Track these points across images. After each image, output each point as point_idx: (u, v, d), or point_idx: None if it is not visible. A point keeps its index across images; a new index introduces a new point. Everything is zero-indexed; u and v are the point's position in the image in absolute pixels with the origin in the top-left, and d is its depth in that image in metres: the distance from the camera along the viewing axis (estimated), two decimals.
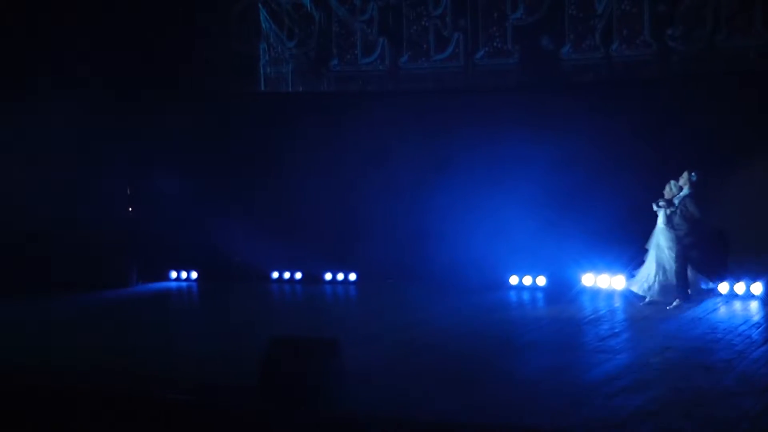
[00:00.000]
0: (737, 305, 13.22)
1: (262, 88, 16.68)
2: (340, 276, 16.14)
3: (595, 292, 14.41)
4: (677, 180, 13.11)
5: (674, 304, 12.86)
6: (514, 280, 15.18)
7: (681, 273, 12.95)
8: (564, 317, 12.60)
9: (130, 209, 16.55)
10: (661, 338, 11.04)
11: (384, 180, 15.46)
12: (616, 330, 11.71)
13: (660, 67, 14.55)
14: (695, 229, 12.97)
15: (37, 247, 15.70)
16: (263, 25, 16.50)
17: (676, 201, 12.98)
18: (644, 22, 14.44)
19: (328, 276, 16.21)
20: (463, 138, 14.97)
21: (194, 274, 16.86)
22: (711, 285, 13.44)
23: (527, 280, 15.12)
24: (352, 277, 16.08)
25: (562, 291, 14.47)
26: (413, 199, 15.19)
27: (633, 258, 14.09)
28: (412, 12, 15.73)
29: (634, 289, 13.39)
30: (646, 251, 13.31)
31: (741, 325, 11.74)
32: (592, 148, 14.42)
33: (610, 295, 14.19)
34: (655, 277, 13.08)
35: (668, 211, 13.00)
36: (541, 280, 15.01)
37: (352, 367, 8.70)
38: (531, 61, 15.13)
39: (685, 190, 12.99)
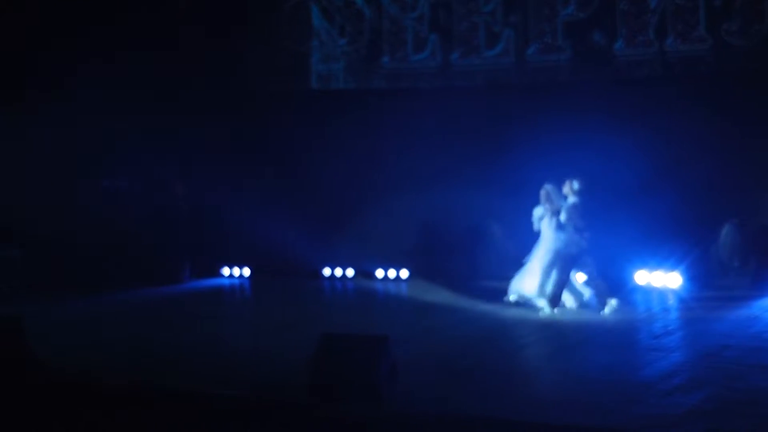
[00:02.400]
0: None
1: (314, 85, 16.75)
2: (392, 273, 16.15)
3: (648, 290, 14.26)
4: (553, 184, 12.64)
5: (545, 310, 12.42)
6: None
7: (560, 281, 12.45)
8: (617, 315, 12.49)
9: (183, 207, 16.71)
10: (717, 337, 10.90)
11: (436, 177, 15.44)
12: (670, 328, 11.58)
13: (716, 62, 14.36)
14: (580, 239, 12.41)
15: (90, 245, 15.90)
16: (315, 23, 16.57)
17: (562, 209, 12.49)
18: (699, 17, 14.27)
19: (380, 273, 16.23)
20: (515, 134, 14.91)
21: (246, 271, 16.99)
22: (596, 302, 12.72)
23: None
24: (404, 274, 16.08)
25: (615, 289, 14.34)
26: (466, 196, 15.14)
27: (686, 255, 13.97)
28: (462, 8, 15.70)
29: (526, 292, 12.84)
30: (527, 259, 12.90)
31: None
32: (646, 145, 14.28)
33: (663, 292, 14.04)
34: (532, 277, 12.65)
35: (560, 218, 12.57)
36: None
37: (403, 364, 8.69)
38: (583, 57, 15.02)
39: (570, 199, 12.51)
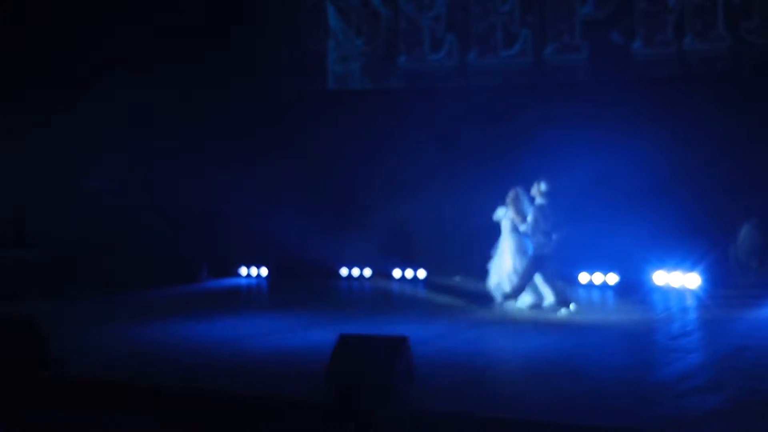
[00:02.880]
0: None
1: (330, 85, 16.75)
2: (409, 273, 16.15)
3: (666, 291, 14.21)
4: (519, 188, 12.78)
5: (502, 303, 12.59)
6: (584, 277, 15.03)
7: (522, 281, 12.53)
8: (634, 316, 12.44)
9: (201, 206, 16.76)
10: (735, 337, 10.83)
11: (452, 176, 15.42)
12: (688, 329, 11.52)
13: (735, 61, 14.27)
14: (547, 241, 12.43)
15: (109, 246, 15.99)
16: (331, 23, 16.57)
17: (528, 211, 12.56)
18: (718, 15, 14.19)
19: (397, 273, 16.21)
20: (533, 134, 14.87)
21: (264, 271, 17.03)
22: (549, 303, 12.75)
23: (597, 278, 14.96)
24: (421, 274, 16.07)
25: (633, 289, 14.31)
26: (483, 195, 15.08)
27: (705, 256, 13.92)
28: (479, 8, 15.67)
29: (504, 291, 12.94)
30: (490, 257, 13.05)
31: None
32: (665, 144, 14.23)
33: (681, 293, 13.98)
34: (507, 280, 12.79)
35: (509, 218, 12.76)
36: (612, 278, 14.84)
37: (420, 364, 8.68)
38: (601, 56, 14.96)
39: (538, 200, 12.52)
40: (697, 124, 14.16)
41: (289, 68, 16.73)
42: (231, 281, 16.76)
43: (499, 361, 9.97)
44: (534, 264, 12.47)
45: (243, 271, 17.13)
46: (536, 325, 11.91)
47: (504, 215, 12.89)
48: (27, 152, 16.15)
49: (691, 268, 14.08)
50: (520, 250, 12.76)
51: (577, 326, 11.79)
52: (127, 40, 15.73)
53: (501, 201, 14.75)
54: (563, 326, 11.80)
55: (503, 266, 12.87)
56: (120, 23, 15.94)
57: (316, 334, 11.53)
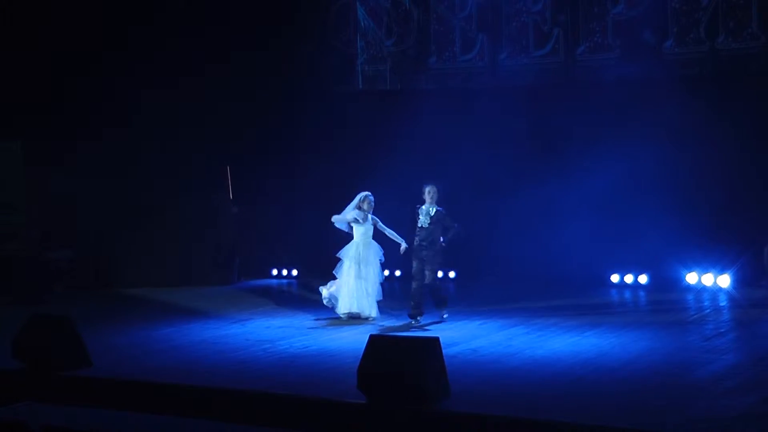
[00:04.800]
0: None
1: (360, 86, 16.77)
2: (439, 273, 16.09)
3: (700, 291, 14.10)
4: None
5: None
6: (615, 278, 14.95)
7: (434, 286, 12.42)
8: (667, 316, 12.35)
9: (234, 209, 16.82)
10: None
11: (483, 176, 15.38)
12: (722, 330, 11.43)
13: None
14: (442, 242, 12.39)
15: (142, 246, 16.09)
16: (361, 24, 16.59)
17: (421, 214, 12.41)
18: (752, 14, 14.07)
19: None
20: (565, 134, 14.82)
21: (294, 272, 17.06)
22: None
23: (629, 278, 14.87)
24: (452, 274, 16.04)
25: (666, 289, 14.21)
26: (514, 196, 15.07)
27: (739, 256, 13.82)
28: (511, 8, 15.62)
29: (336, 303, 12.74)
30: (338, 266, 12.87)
31: None
32: (697, 144, 14.13)
33: (715, 293, 13.87)
34: (357, 292, 12.63)
35: (360, 221, 12.72)
36: (644, 278, 14.74)
37: (451, 365, 8.67)
38: (633, 55, 14.87)
39: (429, 201, 12.38)
40: (730, 123, 14.05)
41: (319, 69, 16.76)
42: (262, 282, 16.80)
43: (531, 362, 9.93)
44: (438, 266, 12.47)
45: (274, 272, 17.16)
46: (567, 326, 11.86)
47: (360, 220, 12.77)
48: (62, 154, 16.31)
49: (725, 269, 13.96)
50: (373, 259, 12.77)
51: (608, 327, 11.73)
52: (156, 42, 15.85)
53: (527, 201, 14.79)
54: (594, 326, 11.73)
55: (351, 280, 12.71)
56: (144, 23, 16.08)
57: (348, 335, 11.56)
